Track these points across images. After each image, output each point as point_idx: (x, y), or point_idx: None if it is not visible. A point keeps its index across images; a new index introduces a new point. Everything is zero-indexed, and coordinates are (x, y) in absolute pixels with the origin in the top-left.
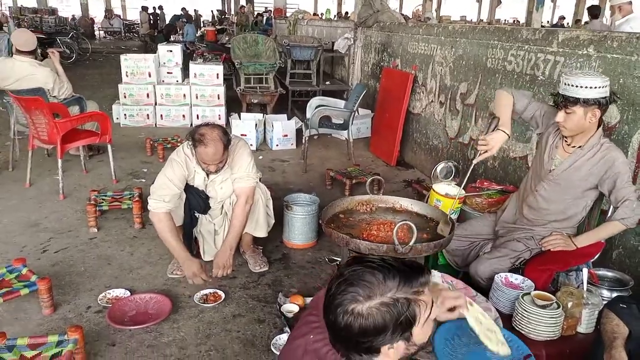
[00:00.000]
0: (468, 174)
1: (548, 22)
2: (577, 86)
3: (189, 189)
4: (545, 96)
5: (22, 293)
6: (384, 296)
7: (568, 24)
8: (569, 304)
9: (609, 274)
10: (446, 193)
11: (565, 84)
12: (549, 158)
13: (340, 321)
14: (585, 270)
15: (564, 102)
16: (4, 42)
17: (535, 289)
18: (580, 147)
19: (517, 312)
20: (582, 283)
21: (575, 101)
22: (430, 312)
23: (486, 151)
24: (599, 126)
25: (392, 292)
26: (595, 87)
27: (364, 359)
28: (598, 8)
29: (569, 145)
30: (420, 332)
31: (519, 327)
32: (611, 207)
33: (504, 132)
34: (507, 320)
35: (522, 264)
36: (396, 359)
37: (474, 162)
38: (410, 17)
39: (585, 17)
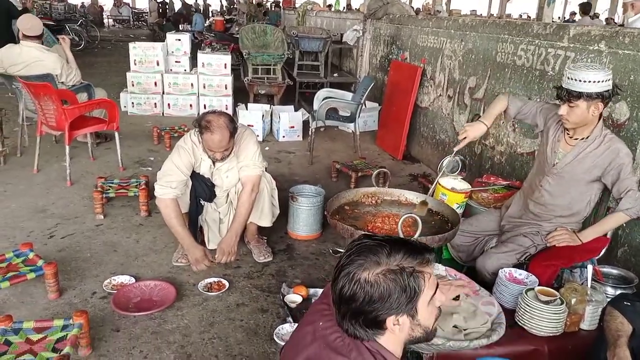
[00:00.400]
0: (447, 160)
1: (559, 18)
2: (581, 80)
3: (195, 176)
4: (554, 92)
5: (28, 277)
6: (389, 265)
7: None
8: (573, 301)
9: (614, 271)
10: (452, 187)
11: (569, 77)
12: (551, 152)
13: (347, 290)
14: (589, 267)
15: (567, 96)
16: None
17: (539, 285)
18: (583, 139)
19: (520, 307)
20: (587, 280)
21: (579, 95)
22: (435, 292)
23: (465, 138)
24: (599, 117)
25: (398, 261)
26: (599, 82)
27: (369, 335)
28: (589, 5)
29: (571, 137)
30: (425, 312)
31: (522, 322)
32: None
33: (483, 122)
34: (510, 316)
35: (527, 259)
36: (401, 339)
37: (455, 149)
38: (420, 10)
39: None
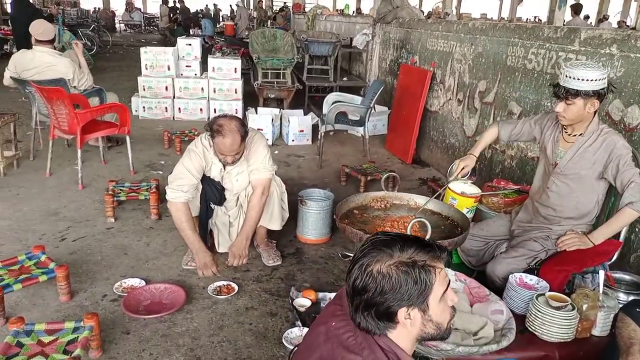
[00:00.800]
0: (441, 190)
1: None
2: (578, 79)
3: (205, 180)
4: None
5: (40, 280)
6: (402, 257)
7: (591, 23)
8: (584, 306)
9: (626, 277)
10: (462, 192)
11: (567, 76)
12: (552, 153)
13: (360, 281)
14: (601, 273)
15: (565, 94)
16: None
17: (550, 290)
18: (581, 134)
19: (530, 313)
20: (598, 285)
21: (577, 93)
22: (446, 289)
23: (458, 168)
24: (594, 113)
25: (410, 254)
26: (596, 80)
27: (380, 328)
28: (580, 5)
29: (569, 135)
30: (437, 308)
31: (532, 328)
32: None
33: (472, 154)
34: (520, 321)
35: (537, 264)
36: (413, 334)
37: (450, 179)
38: (432, 12)
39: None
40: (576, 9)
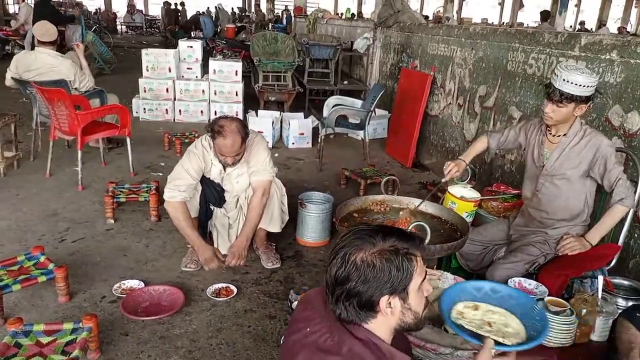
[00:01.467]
0: (433, 191)
1: (571, 26)
2: (574, 84)
3: (204, 181)
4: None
5: (39, 280)
6: (384, 245)
7: (591, 29)
8: (583, 311)
9: (625, 282)
10: (462, 196)
11: (564, 79)
12: (539, 155)
13: (343, 271)
14: (600, 278)
15: (560, 97)
16: (78, 33)
17: (549, 295)
18: (565, 135)
19: None
20: (597, 290)
21: (572, 98)
22: (424, 279)
23: (449, 172)
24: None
25: (392, 242)
26: (589, 86)
27: (361, 317)
28: (548, 13)
29: (553, 135)
30: (416, 297)
31: None
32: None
33: (462, 160)
34: None
35: (536, 269)
36: (392, 323)
37: (442, 180)
38: (431, 18)
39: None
40: (544, 15)
